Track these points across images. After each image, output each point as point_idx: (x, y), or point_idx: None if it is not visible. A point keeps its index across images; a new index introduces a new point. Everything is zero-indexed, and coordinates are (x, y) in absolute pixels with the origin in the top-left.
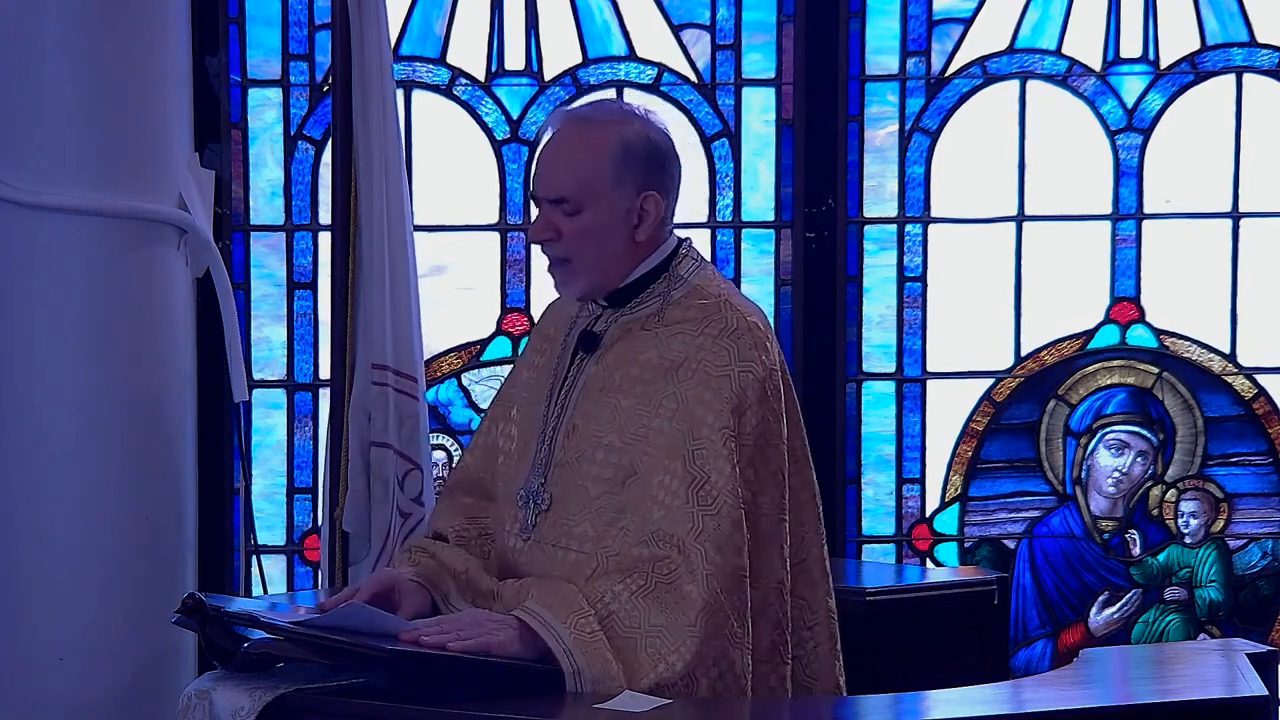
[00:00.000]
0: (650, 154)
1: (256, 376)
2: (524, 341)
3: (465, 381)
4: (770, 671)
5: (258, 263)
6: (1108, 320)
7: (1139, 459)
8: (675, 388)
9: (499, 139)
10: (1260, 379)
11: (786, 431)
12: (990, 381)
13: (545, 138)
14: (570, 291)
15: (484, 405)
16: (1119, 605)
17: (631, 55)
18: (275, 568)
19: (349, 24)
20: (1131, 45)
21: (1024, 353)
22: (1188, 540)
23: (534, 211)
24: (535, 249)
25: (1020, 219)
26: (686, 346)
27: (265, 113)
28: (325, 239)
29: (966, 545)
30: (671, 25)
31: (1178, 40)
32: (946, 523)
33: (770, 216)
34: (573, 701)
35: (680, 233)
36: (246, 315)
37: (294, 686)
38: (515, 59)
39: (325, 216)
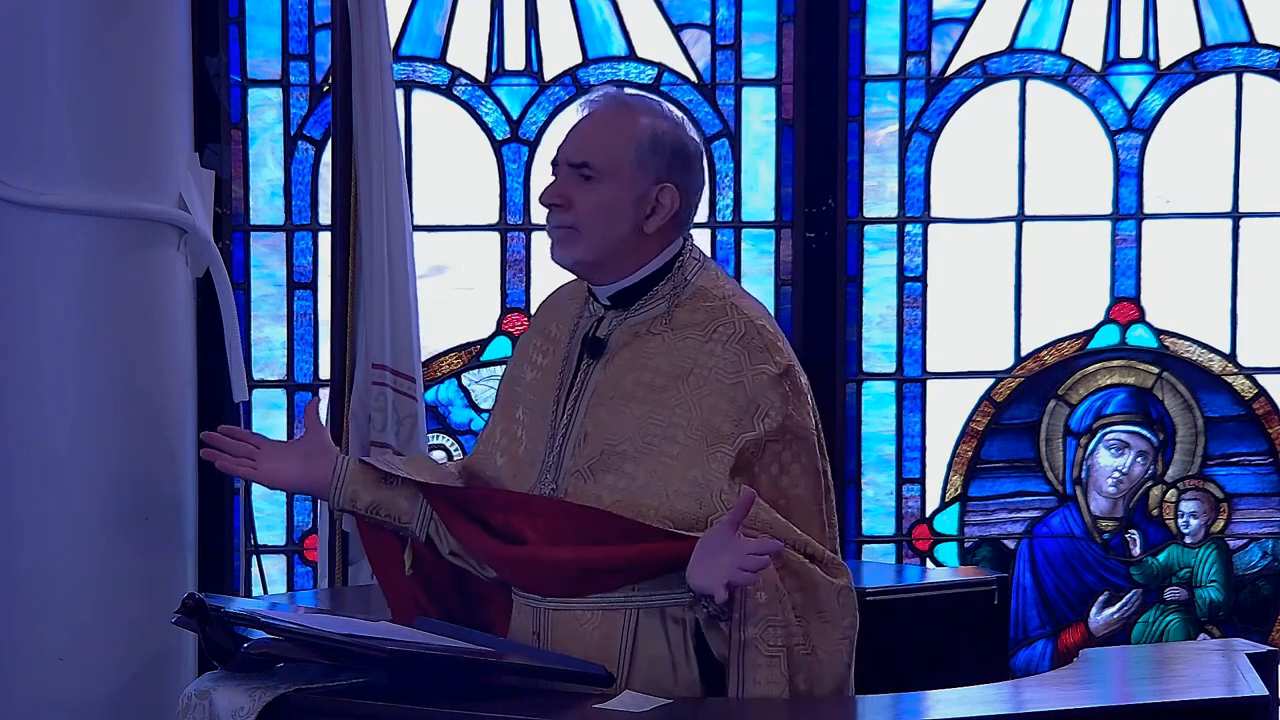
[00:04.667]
0: (677, 150)
1: (256, 376)
2: (521, 336)
3: (465, 381)
4: None
5: (258, 263)
6: (1108, 320)
7: (1139, 459)
8: (688, 394)
9: (499, 139)
10: (1260, 379)
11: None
12: (990, 381)
13: (583, 112)
14: (564, 256)
15: (484, 405)
16: (1119, 605)
17: (631, 55)
18: (275, 568)
19: (349, 24)
20: (1131, 45)
21: (1024, 353)
22: (1188, 540)
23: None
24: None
25: (1020, 219)
26: (696, 352)
27: (265, 113)
28: (325, 239)
29: (966, 545)
30: (671, 25)
31: (1178, 40)
32: (946, 523)
33: (770, 216)
34: (572, 702)
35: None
36: (246, 315)
37: (294, 686)
38: (515, 59)
39: (325, 216)
